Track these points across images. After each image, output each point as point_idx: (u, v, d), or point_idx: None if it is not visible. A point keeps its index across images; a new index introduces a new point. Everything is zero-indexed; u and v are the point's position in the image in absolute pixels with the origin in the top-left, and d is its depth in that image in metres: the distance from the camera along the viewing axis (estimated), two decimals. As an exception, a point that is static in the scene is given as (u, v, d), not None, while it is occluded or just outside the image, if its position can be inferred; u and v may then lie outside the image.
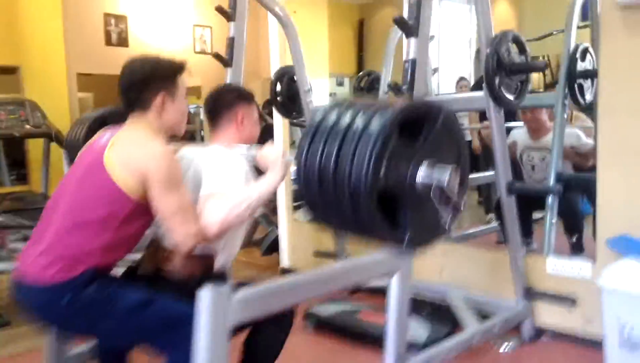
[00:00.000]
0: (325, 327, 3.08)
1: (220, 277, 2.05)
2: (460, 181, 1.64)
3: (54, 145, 6.60)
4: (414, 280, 3.12)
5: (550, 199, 3.05)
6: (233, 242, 2.13)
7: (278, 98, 3.69)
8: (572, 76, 3.03)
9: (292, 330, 2.14)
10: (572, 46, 3.11)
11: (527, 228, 3.32)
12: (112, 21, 7.12)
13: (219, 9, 2.95)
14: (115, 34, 7.13)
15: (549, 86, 4.92)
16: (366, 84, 3.96)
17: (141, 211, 1.81)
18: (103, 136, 1.92)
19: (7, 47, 7.09)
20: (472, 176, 4.09)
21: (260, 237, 4.54)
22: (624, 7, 2.47)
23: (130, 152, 1.81)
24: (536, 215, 3.65)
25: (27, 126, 6.20)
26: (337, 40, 6.98)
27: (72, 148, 2.69)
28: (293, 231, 4.17)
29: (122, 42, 7.12)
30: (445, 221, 1.68)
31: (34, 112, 6.38)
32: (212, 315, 1.53)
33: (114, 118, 2.48)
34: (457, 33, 6.45)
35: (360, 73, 4.23)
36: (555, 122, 3.19)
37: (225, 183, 1.96)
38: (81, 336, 2.10)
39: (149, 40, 7.24)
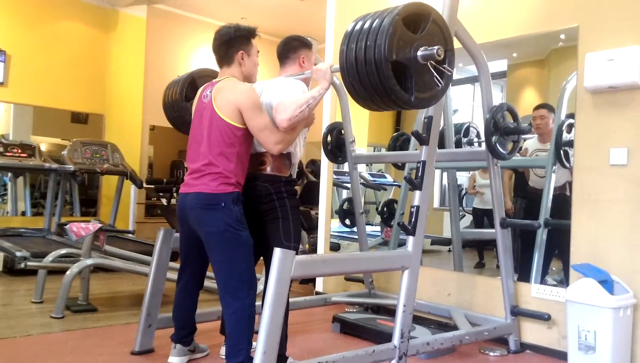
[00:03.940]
0: (349, 328, 3.72)
1: (293, 181, 2.88)
2: (446, 55, 2.33)
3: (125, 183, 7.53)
4: (427, 301, 3.84)
5: (538, 238, 3.65)
6: (298, 148, 2.85)
7: (328, 147, 4.32)
8: (559, 144, 3.63)
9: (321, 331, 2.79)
10: (561, 121, 3.68)
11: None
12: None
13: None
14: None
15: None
16: (400, 143, 4.75)
17: (247, 136, 2.64)
18: (205, 93, 2.75)
19: (96, 98, 8.19)
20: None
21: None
22: (592, 91, 3.21)
23: (227, 97, 2.64)
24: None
25: (107, 165, 7.17)
26: (377, 113, 7.81)
27: (168, 106, 3.20)
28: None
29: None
30: (439, 82, 2.36)
31: (113, 153, 7.38)
32: (280, 267, 2.24)
33: (200, 78, 3.13)
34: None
35: (395, 134, 5.01)
36: (546, 180, 3.75)
37: (289, 94, 2.64)
38: (196, 233, 2.69)
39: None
